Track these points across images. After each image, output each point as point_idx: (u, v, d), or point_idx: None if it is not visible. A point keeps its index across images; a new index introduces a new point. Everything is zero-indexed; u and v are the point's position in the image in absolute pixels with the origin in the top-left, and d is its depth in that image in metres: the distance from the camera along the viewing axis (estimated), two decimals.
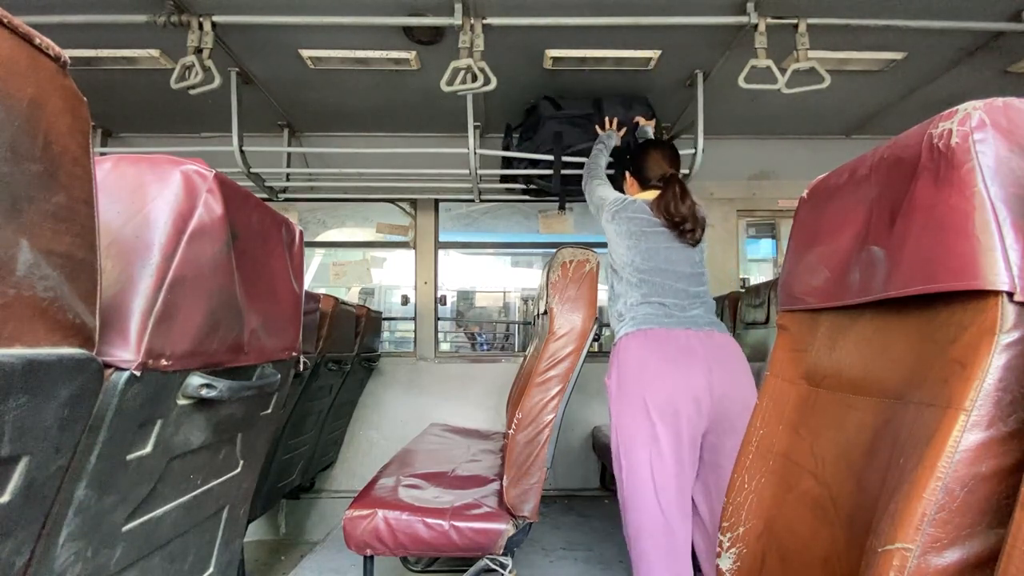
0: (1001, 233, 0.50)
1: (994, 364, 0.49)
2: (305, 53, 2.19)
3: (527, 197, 2.97)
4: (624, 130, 2.30)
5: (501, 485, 1.54)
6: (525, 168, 2.64)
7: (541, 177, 2.61)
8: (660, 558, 1.46)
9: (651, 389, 1.49)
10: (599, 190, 1.87)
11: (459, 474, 1.85)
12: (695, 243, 1.68)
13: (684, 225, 1.66)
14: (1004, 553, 0.44)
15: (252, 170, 2.54)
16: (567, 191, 2.58)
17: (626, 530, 1.54)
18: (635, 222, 1.69)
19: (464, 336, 6.78)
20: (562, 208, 3.12)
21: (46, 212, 0.52)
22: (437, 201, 3.23)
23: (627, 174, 1.90)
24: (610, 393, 1.60)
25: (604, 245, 1.83)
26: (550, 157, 2.48)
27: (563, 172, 2.50)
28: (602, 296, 1.82)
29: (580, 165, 2.49)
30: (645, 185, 1.82)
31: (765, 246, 4.13)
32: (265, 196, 2.75)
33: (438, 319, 3.25)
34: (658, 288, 1.62)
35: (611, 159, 2.16)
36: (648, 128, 2.30)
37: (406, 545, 1.46)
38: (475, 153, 2.48)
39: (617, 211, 1.73)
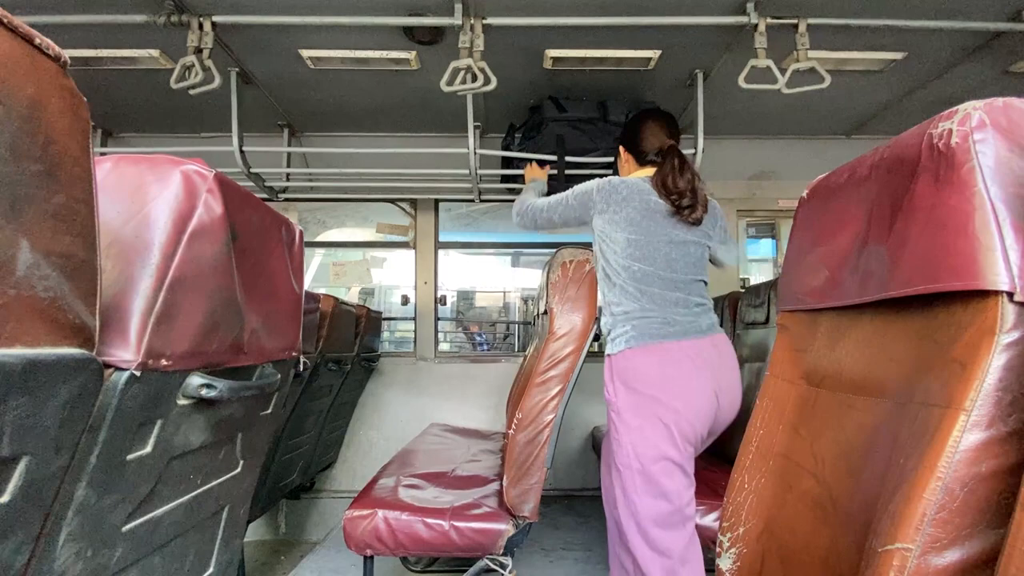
0: (1001, 233, 0.50)
1: (994, 364, 0.49)
2: (305, 53, 2.19)
3: None
4: (547, 167, 2.24)
5: (501, 485, 1.54)
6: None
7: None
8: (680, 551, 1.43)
9: (673, 414, 1.42)
10: (569, 192, 1.69)
11: (459, 474, 1.85)
12: (696, 222, 1.56)
13: (682, 201, 1.53)
14: (1004, 553, 0.44)
15: (252, 170, 2.54)
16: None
17: (625, 548, 1.47)
18: (631, 204, 1.55)
19: (464, 335, 6.78)
20: None
21: (46, 212, 0.52)
22: (437, 201, 3.23)
23: (622, 149, 1.77)
24: (615, 409, 1.50)
25: None
26: (551, 158, 2.48)
27: (566, 172, 2.50)
28: (602, 296, 1.81)
29: (584, 166, 2.49)
30: (642, 160, 1.69)
31: (765, 246, 4.14)
32: (265, 196, 2.75)
33: (438, 319, 3.25)
34: (658, 299, 1.51)
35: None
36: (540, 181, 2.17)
37: (406, 545, 1.46)
38: (475, 153, 2.48)
39: (609, 194, 1.57)
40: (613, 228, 1.56)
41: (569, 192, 1.69)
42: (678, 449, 1.43)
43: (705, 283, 1.61)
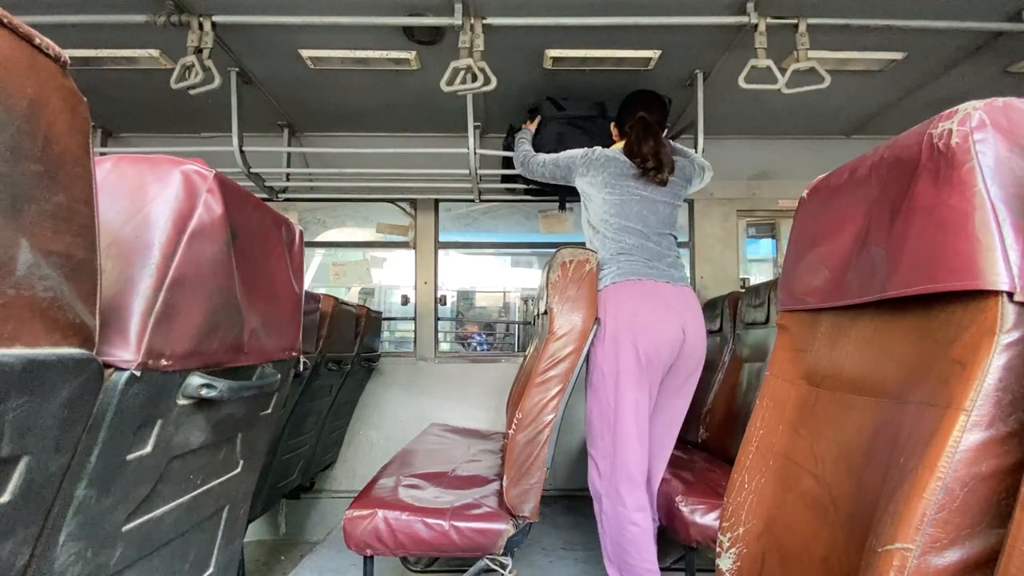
0: (1001, 233, 0.50)
1: (994, 364, 0.49)
2: (305, 53, 2.19)
3: (527, 197, 2.97)
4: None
5: (501, 485, 1.54)
6: None
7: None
8: (633, 472, 1.71)
9: (642, 338, 1.65)
10: (560, 155, 1.98)
11: (459, 474, 1.85)
12: (662, 183, 1.79)
13: (647, 164, 1.76)
14: (1004, 553, 0.44)
15: (252, 170, 2.54)
16: (567, 190, 2.57)
17: (600, 450, 1.74)
18: (608, 170, 1.80)
19: (460, 341, 6.69)
20: (562, 208, 3.12)
21: (46, 212, 0.52)
22: (437, 201, 3.23)
23: (612, 126, 2.04)
24: (597, 335, 1.71)
25: None
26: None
27: None
28: (589, 244, 1.88)
29: None
30: (622, 133, 1.94)
31: (765, 246, 4.14)
32: (265, 196, 2.75)
33: (438, 319, 3.24)
34: (633, 245, 1.76)
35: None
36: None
37: (406, 545, 1.46)
38: (475, 153, 2.48)
39: (589, 161, 1.84)
40: (593, 189, 1.83)
41: (561, 155, 2.00)
42: (641, 368, 1.66)
43: (675, 237, 1.87)
